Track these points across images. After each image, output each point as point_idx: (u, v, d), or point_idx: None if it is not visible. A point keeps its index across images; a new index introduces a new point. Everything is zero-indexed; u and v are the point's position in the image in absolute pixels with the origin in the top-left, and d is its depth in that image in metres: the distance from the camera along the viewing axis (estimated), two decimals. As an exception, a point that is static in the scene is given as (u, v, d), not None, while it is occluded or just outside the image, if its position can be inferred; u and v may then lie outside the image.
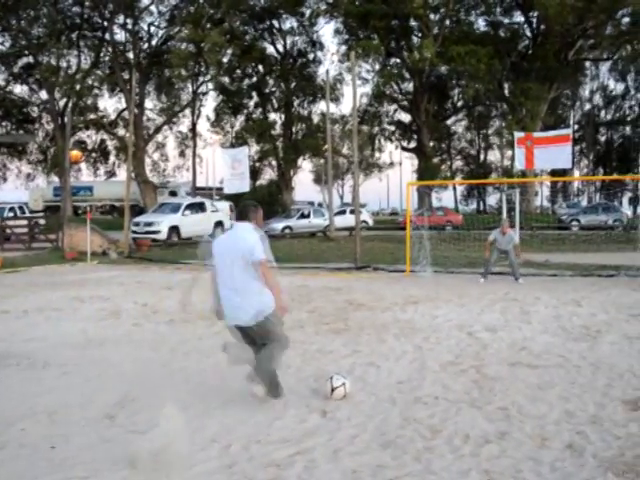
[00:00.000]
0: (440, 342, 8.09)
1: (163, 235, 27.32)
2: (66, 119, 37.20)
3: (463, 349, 7.69)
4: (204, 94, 50.83)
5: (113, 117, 49.18)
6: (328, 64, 49.68)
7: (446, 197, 76.06)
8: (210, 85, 48.95)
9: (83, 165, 53.76)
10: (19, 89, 49.17)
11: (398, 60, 46.67)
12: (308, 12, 47.45)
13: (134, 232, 26.93)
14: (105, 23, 45.20)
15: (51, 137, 49.10)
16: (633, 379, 6.30)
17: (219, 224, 31.26)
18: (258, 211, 5.74)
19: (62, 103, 45.35)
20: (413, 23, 44.39)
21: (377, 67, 46.98)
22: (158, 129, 49.77)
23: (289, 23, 49.04)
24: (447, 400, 5.70)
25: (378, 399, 5.77)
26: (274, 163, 52.24)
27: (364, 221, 35.74)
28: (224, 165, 24.11)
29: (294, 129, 50.56)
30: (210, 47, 40.17)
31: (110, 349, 7.93)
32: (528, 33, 47.80)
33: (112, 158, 53.46)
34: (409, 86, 48.48)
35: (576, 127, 69.25)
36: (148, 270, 18.32)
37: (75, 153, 41.88)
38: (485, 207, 66.36)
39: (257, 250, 5.33)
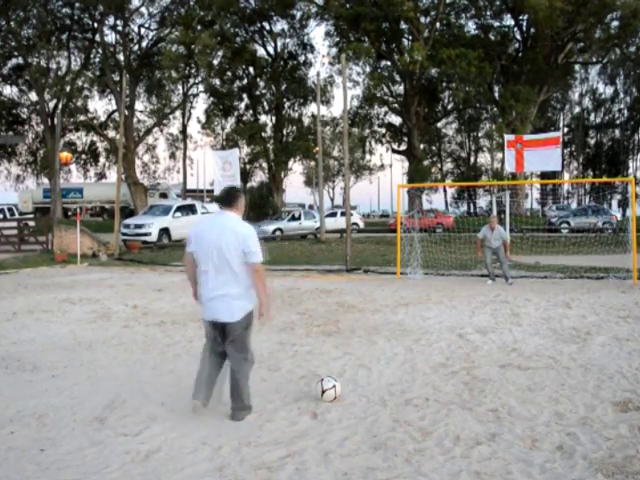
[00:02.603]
0: (431, 344, 8.10)
1: (153, 237, 27.25)
2: (56, 120, 37.03)
3: (454, 351, 7.71)
4: (195, 96, 50.83)
5: (103, 119, 49.13)
6: (319, 66, 49.85)
7: (436, 199, 76.46)
8: (201, 87, 48.95)
9: (73, 167, 53.64)
10: (8, 90, 49.04)
11: (389, 63, 46.73)
12: (299, 14, 47.59)
13: (124, 234, 26.85)
14: (95, 24, 45.10)
15: (41, 139, 48.90)
16: (623, 380, 6.32)
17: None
18: (243, 198, 5.39)
19: (52, 104, 45.25)
20: (404, 26, 44.42)
21: (368, 70, 47.07)
22: (148, 131, 49.71)
23: (280, 25, 49.15)
24: (438, 402, 5.71)
25: (369, 401, 5.76)
26: (265, 165, 52.25)
27: (355, 223, 35.81)
28: (215, 167, 24.07)
29: (285, 131, 50.58)
30: (201, 49, 40.16)
31: (100, 351, 7.89)
32: (518, 36, 48.01)
33: (102, 160, 53.32)
34: (400, 89, 48.56)
35: (566, 130, 69.81)
36: (138, 272, 18.26)
37: (65, 155, 41.72)
38: (475, 209, 66.62)
39: (256, 249, 5.09)
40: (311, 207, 59.84)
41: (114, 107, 47.70)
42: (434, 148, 67.71)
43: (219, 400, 5.44)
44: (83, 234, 22.56)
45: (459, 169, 72.48)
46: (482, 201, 69.32)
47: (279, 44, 49.33)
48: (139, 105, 49.92)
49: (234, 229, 5.08)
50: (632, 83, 62.12)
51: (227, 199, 5.33)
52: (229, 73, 48.17)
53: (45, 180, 50.43)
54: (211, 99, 49.93)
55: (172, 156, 54.11)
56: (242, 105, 51.39)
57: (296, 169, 76.28)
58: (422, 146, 52.76)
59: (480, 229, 15.03)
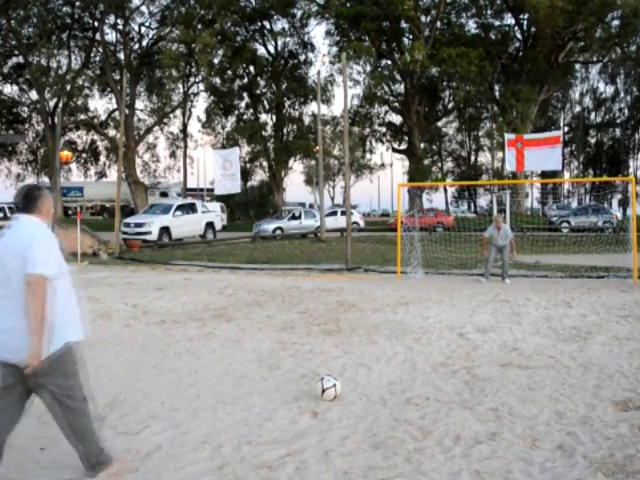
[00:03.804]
0: (431, 343, 8.10)
1: (154, 236, 27.24)
2: (56, 119, 37.03)
3: (454, 350, 7.70)
4: (195, 95, 50.86)
5: (104, 118, 49.21)
6: (319, 65, 49.85)
7: (437, 199, 76.47)
8: (201, 86, 49.00)
9: (73, 166, 53.63)
10: (9, 89, 49.12)
11: (389, 62, 46.75)
12: (299, 13, 47.63)
13: (125, 233, 26.84)
14: (96, 23, 45.17)
15: (41, 137, 48.96)
16: (623, 380, 6.32)
17: (210, 225, 31.26)
18: (47, 198, 3.94)
19: (52, 103, 45.30)
20: (404, 25, 44.46)
21: (368, 69, 47.11)
22: (149, 130, 49.72)
23: (280, 24, 49.20)
24: (438, 401, 5.70)
25: (369, 400, 5.76)
26: (265, 164, 52.29)
27: (355, 222, 35.81)
28: (215, 166, 24.13)
29: (285, 130, 50.61)
30: (201, 48, 40.18)
31: (100, 350, 7.87)
32: (519, 35, 48.04)
33: (103, 159, 53.32)
34: (400, 88, 48.57)
35: (566, 129, 69.71)
36: (138, 271, 18.25)
37: (65, 153, 41.73)
38: (476, 209, 66.60)
39: (37, 256, 3.64)
40: (311, 206, 59.81)
41: (114, 106, 47.78)
42: (434, 147, 67.67)
43: None
44: (83, 233, 22.54)
45: (459, 168, 72.45)
46: (482, 200, 69.42)
47: (279, 43, 49.43)
48: (139, 104, 50.03)
49: (20, 237, 3.72)
50: (633, 82, 62.09)
51: (24, 201, 3.86)
52: (229, 72, 48.22)
53: (45, 179, 50.41)
54: (211, 98, 49.98)
55: (172, 155, 54.14)
56: (242, 104, 51.49)
57: (296, 168, 76.08)
58: (422, 145, 52.76)
59: (487, 228, 15.08)
